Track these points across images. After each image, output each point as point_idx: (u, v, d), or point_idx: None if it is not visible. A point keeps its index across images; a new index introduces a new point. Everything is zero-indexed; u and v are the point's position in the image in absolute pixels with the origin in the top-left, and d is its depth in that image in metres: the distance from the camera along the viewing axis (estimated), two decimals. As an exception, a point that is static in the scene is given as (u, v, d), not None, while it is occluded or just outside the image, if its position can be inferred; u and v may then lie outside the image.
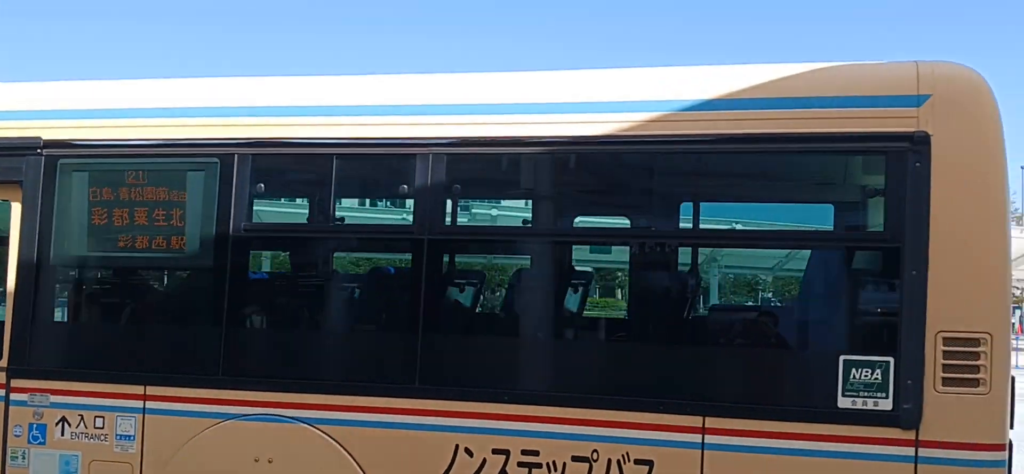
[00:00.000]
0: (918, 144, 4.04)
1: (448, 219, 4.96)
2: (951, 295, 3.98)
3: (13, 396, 4.95)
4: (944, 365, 3.95)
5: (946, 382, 3.95)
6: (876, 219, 4.32)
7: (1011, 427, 4.09)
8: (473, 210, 5.42)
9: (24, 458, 4.96)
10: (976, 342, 3.93)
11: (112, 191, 5.00)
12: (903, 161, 4.06)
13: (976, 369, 3.93)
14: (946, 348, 3.95)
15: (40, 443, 4.95)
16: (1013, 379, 4.09)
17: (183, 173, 4.95)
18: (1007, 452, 4.04)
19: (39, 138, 5.05)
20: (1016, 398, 4.03)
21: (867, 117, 4.17)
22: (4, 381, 4.97)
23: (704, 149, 4.44)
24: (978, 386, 3.92)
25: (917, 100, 4.11)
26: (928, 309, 3.97)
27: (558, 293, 5.03)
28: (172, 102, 5.11)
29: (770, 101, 4.32)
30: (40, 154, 5.04)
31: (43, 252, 5.02)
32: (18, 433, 4.96)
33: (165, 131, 4.98)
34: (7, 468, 4.97)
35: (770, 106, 4.31)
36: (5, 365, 4.96)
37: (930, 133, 4.04)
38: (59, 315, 5.31)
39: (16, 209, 5.06)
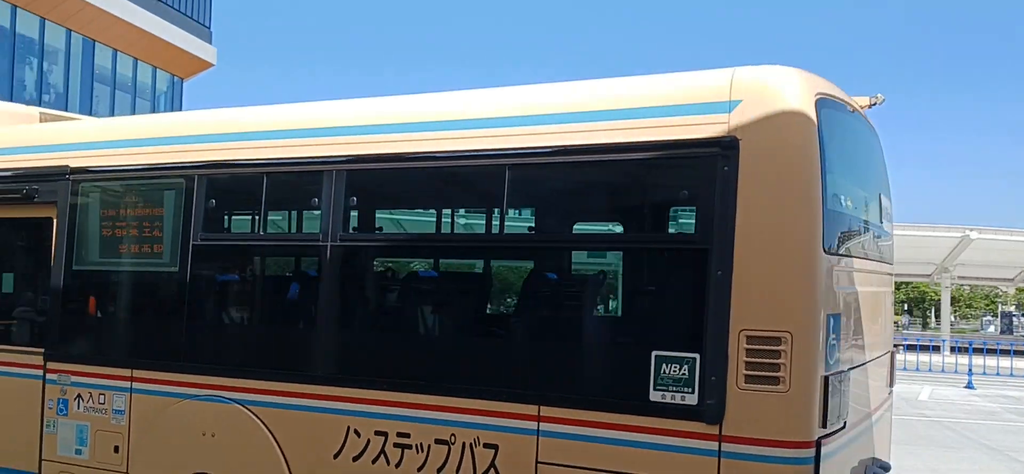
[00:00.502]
0: (727, 149, 4.16)
1: (348, 228, 5.41)
2: (755, 295, 4.08)
3: (49, 376, 6.18)
4: (746, 363, 4.04)
5: (748, 379, 4.04)
6: (689, 222, 4.48)
7: (824, 424, 4.07)
8: (378, 219, 6.09)
9: (54, 427, 6.14)
10: (777, 341, 3.99)
11: (115, 208, 6.22)
12: (713, 166, 4.19)
13: (776, 368, 4.00)
14: (749, 346, 4.04)
15: (64, 415, 6.12)
16: (827, 379, 4.09)
17: (160, 191, 6.03)
18: (814, 450, 4.01)
19: (67, 166, 6.28)
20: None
21: (683, 125, 4.31)
22: (43, 363, 6.21)
23: (538, 161, 4.71)
24: (778, 384, 3.99)
25: (729, 106, 4.22)
26: (731, 308, 4.07)
27: (424, 297, 5.53)
28: (154, 133, 6.27)
29: (601, 114, 4.56)
30: (68, 179, 6.26)
31: (69, 258, 6.25)
32: (50, 406, 6.17)
33: (148, 158, 6.00)
34: (44, 434, 6.18)
35: (602, 118, 4.55)
36: (43, 350, 6.22)
37: (739, 138, 4.15)
38: (77, 310, 6.38)
39: (55, 224, 6.28)
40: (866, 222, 5.08)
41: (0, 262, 7.19)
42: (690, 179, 4.46)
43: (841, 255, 4.45)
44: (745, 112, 4.18)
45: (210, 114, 6.30)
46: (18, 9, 31.45)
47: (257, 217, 5.78)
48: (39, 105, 32.16)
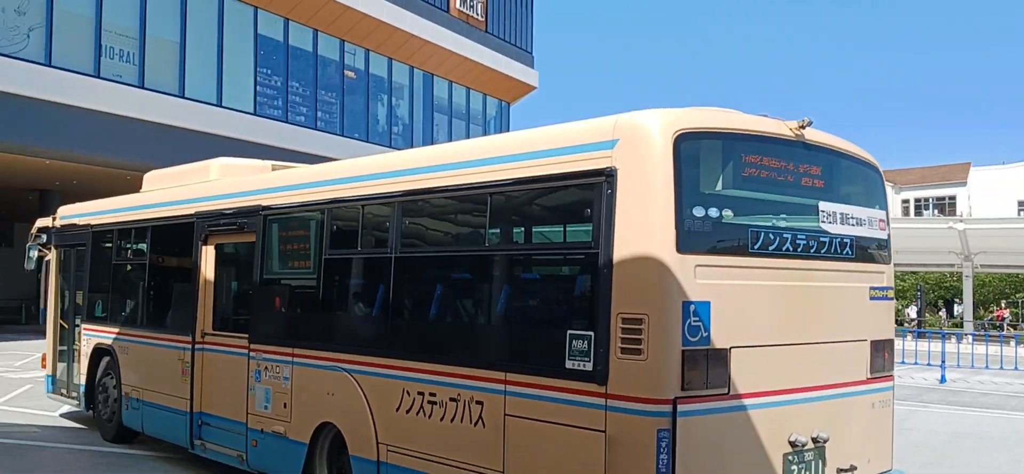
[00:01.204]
0: (609, 177, 5.39)
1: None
2: (627, 286, 5.26)
3: (252, 354, 8.49)
4: (622, 338, 5.22)
5: (623, 351, 5.21)
6: (587, 232, 5.61)
7: (683, 388, 5.12)
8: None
9: (253, 390, 8.42)
10: (639, 321, 5.16)
11: (284, 234, 8.74)
12: (600, 189, 5.44)
13: (640, 342, 5.15)
14: (623, 325, 5.22)
15: (258, 381, 8.38)
16: (684, 352, 5.14)
17: (307, 221, 8.39)
18: (671, 407, 5.10)
19: (260, 205, 8.67)
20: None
21: (583, 159, 5.61)
22: (247, 345, 8.55)
23: (485, 191, 6.35)
24: (641, 354, 5.14)
25: (611, 144, 5.45)
26: (612, 297, 5.28)
27: (440, 298, 7.00)
28: (301, 180, 8.71)
29: (537, 153, 6.01)
30: (260, 214, 8.63)
31: (261, 272, 8.66)
32: (251, 375, 8.48)
33: (299, 198, 8.37)
34: (248, 395, 8.47)
35: (537, 156, 5.98)
36: (248, 336, 8.61)
37: (617, 168, 5.38)
38: (265, 307, 8.68)
39: (256, 246, 8.65)
40: (772, 228, 5.89)
41: (230, 274, 9.69)
42: (587, 199, 5.66)
43: (704, 254, 5.39)
44: (622, 148, 5.41)
45: (327, 166, 9.05)
46: (370, 52, 35.36)
47: (356, 237, 7.80)
48: (389, 136, 35.82)
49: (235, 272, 9.60)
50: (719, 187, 5.83)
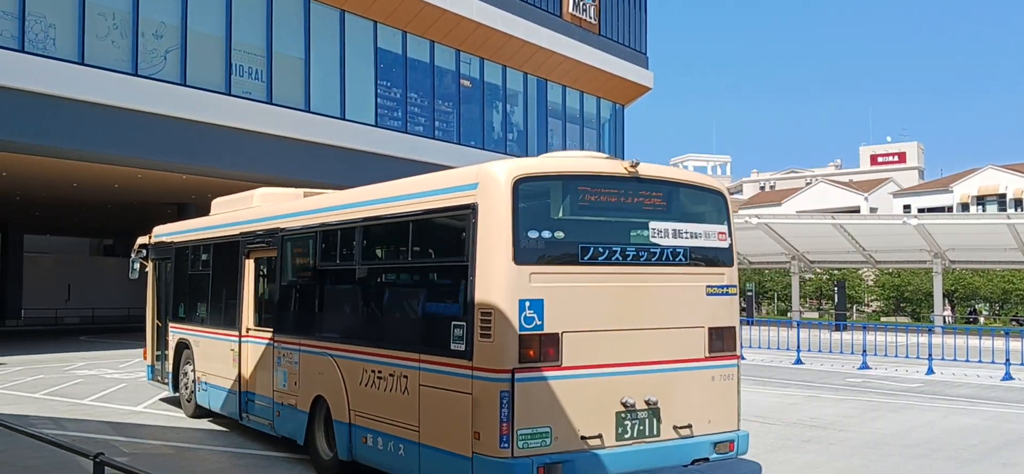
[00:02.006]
0: (473, 210, 7.43)
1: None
2: (483, 288, 7.25)
3: (275, 345, 10.79)
4: (481, 326, 7.22)
5: (481, 335, 7.20)
6: (462, 251, 7.58)
7: (521, 361, 7.08)
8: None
9: (275, 372, 10.70)
10: (489, 314, 7.17)
11: (296, 249, 10.98)
12: (468, 219, 7.48)
13: (490, 329, 7.17)
14: (481, 317, 7.22)
15: (279, 365, 10.65)
16: (520, 336, 7.11)
17: (307, 239, 10.70)
18: (510, 375, 7.06)
19: (280, 228, 11.05)
20: None
21: (458, 196, 7.72)
22: (272, 338, 10.84)
23: (406, 219, 8.67)
24: (491, 338, 7.15)
25: (474, 186, 7.50)
26: (475, 297, 7.27)
27: (382, 301, 9.45)
28: (306, 207, 11.11)
29: (425, 192, 8.40)
30: (279, 235, 11.01)
31: (281, 280, 11.10)
32: (275, 361, 10.75)
33: (302, 222, 10.79)
34: (273, 376, 10.75)
35: (427, 195, 8.35)
36: (272, 331, 10.90)
37: (477, 203, 7.41)
38: (283, 308, 10.97)
39: (276, 260, 11.14)
40: (606, 243, 7.73)
41: (264, 281, 11.78)
42: (461, 226, 7.69)
43: (538, 265, 7.32)
44: (480, 190, 7.44)
45: (323, 196, 11.50)
46: (485, 61, 35.88)
47: (335, 253, 10.16)
48: (504, 143, 36.18)
49: (267, 280, 11.75)
50: (560, 214, 7.74)
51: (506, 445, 7.05)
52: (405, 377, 8.14)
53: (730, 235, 8.64)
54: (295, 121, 27.85)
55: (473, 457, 7.20)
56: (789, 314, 42.73)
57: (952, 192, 73.38)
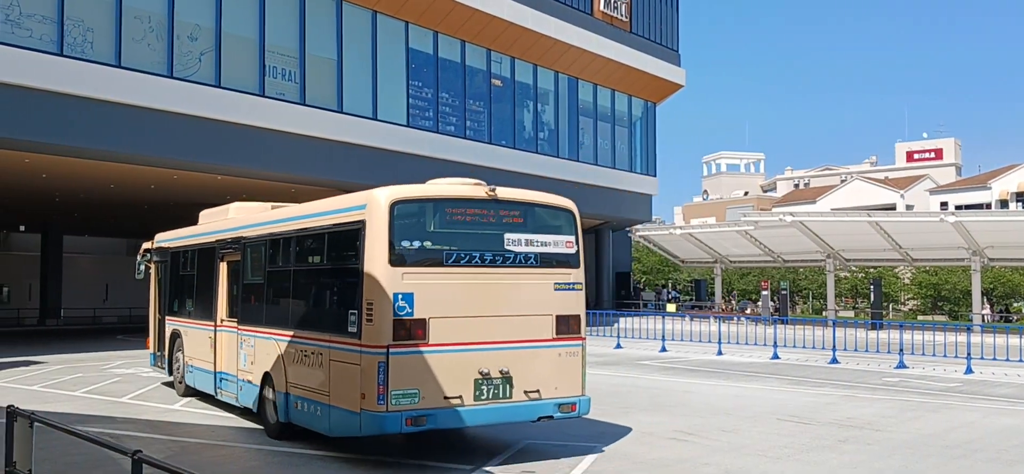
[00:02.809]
0: (363, 225, 9.72)
1: (277, 263, 12.41)
2: (368, 285, 9.46)
3: (239, 332, 13.01)
4: (366, 313, 9.46)
5: (366, 321, 9.43)
6: (357, 256, 9.80)
7: (394, 339, 9.32)
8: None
9: (239, 353, 12.94)
10: (371, 304, 9.43)
11: (253, 253, 13.07)
12: (359, 232, 9.77)
13: (372, 315, 9.41)
14: (366, 307, 9.45)
15: (242, 349, 12.87)
16: (394, 321, 9.36)
17: (260, 246, 12.84)
18: (385, 350, 9.29)
19: (242, 237, 13.40)
20: None
21: (353, 215, 10.10)
22: (238, 326, 13.06)
23: (321, 232, 11.24)
24: (372, 322, 9.36)
25: (364, 207, 9.84)
26: (364, 291, 9.54)
27: (299, 295, 11.90)
28: (263, 218, 13.41)
29: (336, 209, 10.83)
30: (242, 242, 13.36)
31: (242, 279, 13.33)
32: (239, 345, 12.99)
33: (261, 232, 12.83)
34: (238, 356, 12.99)
35: (318, 216, 11.26)
36: (237, 320, 13.17)
37: (365, 220, 9.71)
38: (245, 302, 13.19)
39: (240, 263, 13.42)
40: (467, 251, 10.01)
41: (233, 280, 13.82)
42: (356, 237, 9.93)
43: (408, 268, 9.57)
44: (367, 210, 9.79)
45: (270, 212, 13.73)
46: (516, 60, 35.88)
47: (262, 254, 12.77)
48: (536, 142, 36.15)
49: (233, 280, 13.79)
50: (430, 228, 10.08)
51: (382, 402, 9.32)
52: (321, 354, 10.50)
53: (577, 243, 10.93)
54: (328, 122, 28.05)
55: (361, 413, 9.50)
56: (824, 313, 42.28)
57: (990, 189, 72.24)
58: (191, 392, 15.31)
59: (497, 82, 35.34)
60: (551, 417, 10.37)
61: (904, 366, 21.55)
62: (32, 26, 21.43)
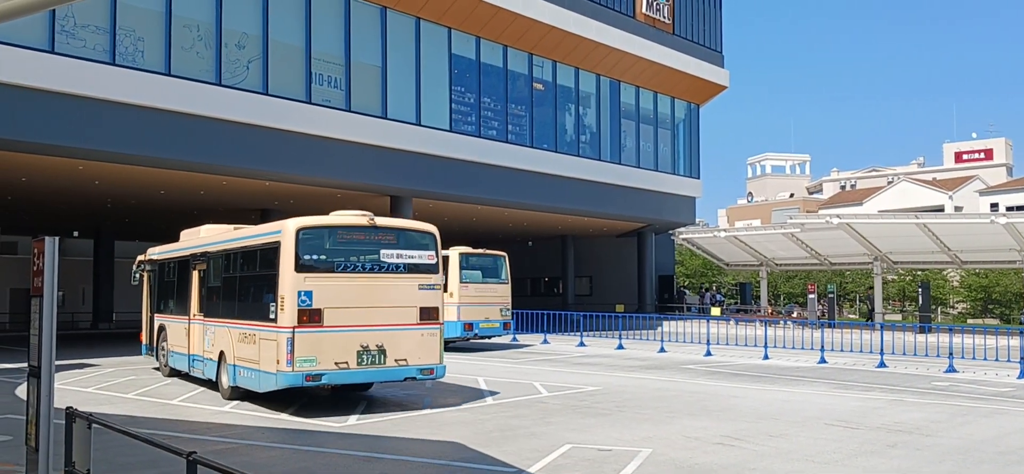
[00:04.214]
0: (280, 244, 14.11)
1: (223, 273, 17.07)
2: (283, 285, 13.85)
3: (204, 323, 17.34)
4: (282, 305, 13.78)
5: (282, 310, 13.77)
6: (276, 266, 14.09)
7: (299, 323, 13.66)
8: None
9: (204, 340, 17.20)
10: (284, 299, 13.75)
11: (214, 265, 17.39)
12: (278, 249, 14.12)
13: (283, 306, 13.75)
14: (282, 300, 13.79)
15: (206, 335, 17.16)
16: (299, 311, 13.69)
17: (220, 258, 17.12)
18: (292, 331, 13.61)
19: (206, 251, 17.77)
20: None
21: (274, 237, 14.41)
22: (203, 318, 17.42)
23: (253, 248, 15.71)
24: (284, 312, 13.76)
25: (280, 232, 14.24)
26: (280, 290, 13.83)
27: (232, 295, 16.42)
28: (217, 237, 17.87)
29: (263, 232, 15.66)
30: (206, 254, 17.77)
31: (204, 284, 17.74)
32: (203, 332, 17.29)
33: (220, 247, 17.23)
34: (203, 342, 17.29)
35: (252, 238, 15.97)
36: (203, 314, 17.45)
37: (280, 241, 14.09)
38: (204, 300, 17.66)
39: (205, 270, 17.67)
40: (353, 263, 14.34)
41: (202, 284, 17.79)
42: (275, 253, 14.13)
43: (309, 273, 13.85)
44: (282, 234, 14.14)
45: (232, 231, 17.52)
46: (558, 63, 35.90)
47: (218, 264, 17.05)
48: (577, 145, 36.13)
49: (201, 284, 17.91)
50: (326, 246, 14.24)
51: (290, 365, 13.63)
52: (255, 335, 14.68)
53: (437, 256, 15.27)
54: (372, 127, 28.32)
55: (277, 373, 13.76)
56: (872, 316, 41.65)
57: (1043, 189, 70.49)
58: (174, 373, 19.46)
59: (539, 86, 35.40)
60: (414, 378, 14.76)
61: (954, 370, 21.20)
62: (86, 36, 21.96)
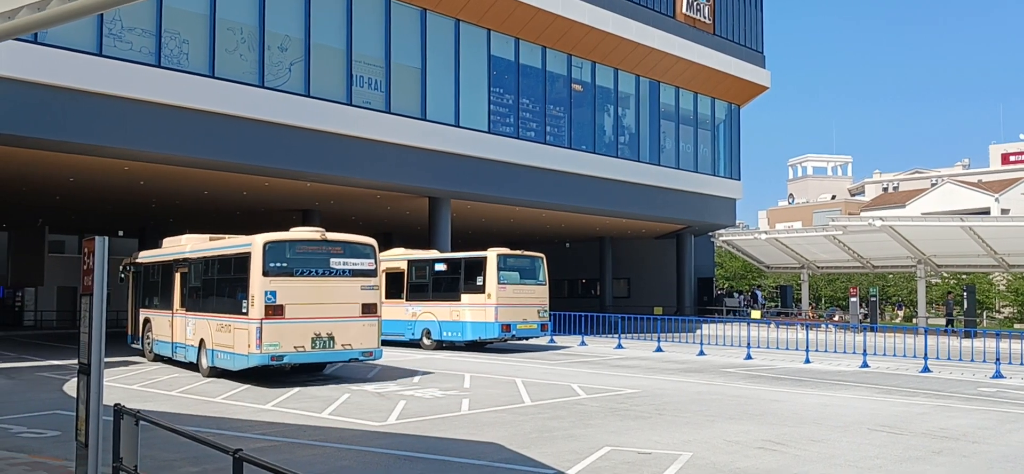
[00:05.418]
0: (250, 254, 17.75)
1: (203, 274, 20.49)
2: (252, 285, 17.54)
3: (186, 316, 20.65)
4: (253, 302, 17.46)
5: (252, 306, 17.43)
6: (247, 271, 17.74)
7: (267, 316, 17.32)
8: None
9: (186, 330, 20.57)
10: (253, 297, 17.46)
11: (198, 268, 20.56)
12: (250, 258, 17.70)
13: (253, 302, 17.46)
14: (253, 298, 17.47)
15: (188, 326, 20.67)
16: (266, 306, 17.31)
17: (216, 261, 19.90)
18: (260, 322, 17.29)
19: (187, 257, 21.09)
20: None
21: (247, 249, 17.98)
22: (185, 311, 20.78)
23: (228, 256, 19.13)
24: (254, 306, 17.42)
25: (250, 245, 17.84)
26: (251, 290, 17.54)
27: (213, 293, 19.79)
28: (196, 246, 21.33)
29: (237, 244, 18.94)
30: (187, 259, 21.06)
31: (188, 283, 20.84)
32: (186, 324, 20.69)
33: (203, 254, 20.33)
34: (186, 332, 20.57)
35: (229, 248, 19.40)
36: (185, 309, 20.77)
37: (251, 251, 17.69)
38: (189, 297, 20.87)
39: (186, 273, 20.99)
40: (308, 269, 17.98)
41: (184, 284, 20.92)
42: (247, 260, 17.79)
43: (274, 277, 17.47)
44: (252, 246, 17.79)
45: (211, 241, 21.01)
46: (597, 64, 35.83)
47: (207, 270, 20.11)
48: (616, 146, 35.97)
49: (183, 284, 20.97)
50: (287, 255, 17.79)
51: (259, 348, 17.13)
52: (230, 325, 18.17)
53: (376, 262, 18.92)
54: (412, 129, 28.49)
55: (248, 355, 17.31)
56: (915, 320, 41.03)
57: (1094, 192, 68.90)
58: (158, 358, 22.73)
59: (577, 87, 35.35)
60: (358, 359, 18.55)
61: (1001, 376, 20.80)
62: (132, 39, 22.35)
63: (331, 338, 17.79)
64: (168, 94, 22.76)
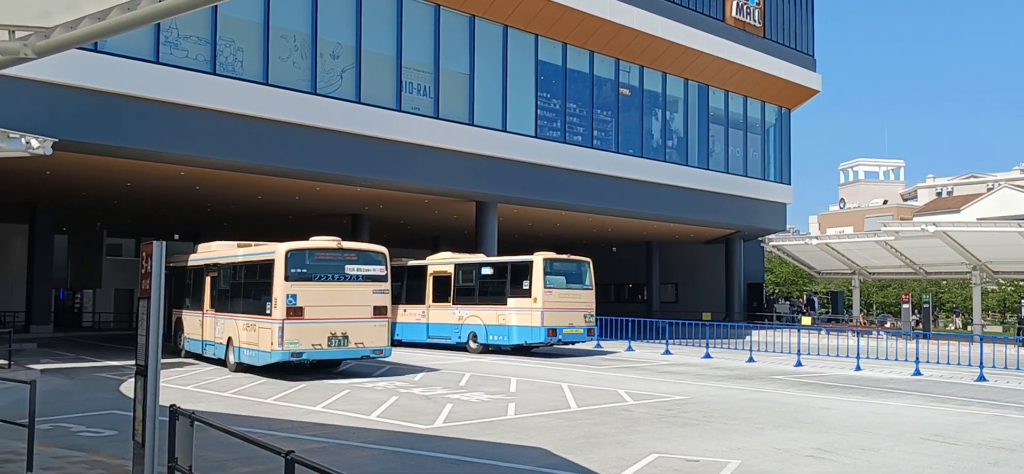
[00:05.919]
0: (274, 260, 19.49)
1: (233, 277, 22.47)
2: (276, 289, 19.19)
3: (216, 316, 22.62)
4: (276, 304, 19.10)
5: (276, 307, 19.17)
6: (271, 276, 19.40)
7: (288, 316, 18.97)
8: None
9: (215, 329, 22.52)
10: (277, 299, 19.18)
11: (220, 272, 22.90)
12: (272, 264, 19.49)
13: (277, 304, 19.15)
14: (276, 300, 19.16)
15: (217, 325, 22.41)
16: (288, 308, 18.94)
17: (235, 266, 22.12)
18: (282, 322, 18.95)
19: (217, 262, 23.07)
20: None
21: (271, 255, 19.81)
22: (215, 312, 22.71)
23: (255, 262, 21.02)
24: (277, 308, 19.11)
25: (274, 252, 19.65)
26: (273, 292, 19.20)
27: (238, 295, 21.81)
28: (221, 252, 23.42)
29: (262, 251, 20.76)
30: (215, 264, 23.26)
31: (214, 287, 22.98)
32: (216, 323, 22.58)
33: (216, 260, 23.22)
34: (215, 331, 22.45)
35: (255, 255, 21.17)
36: (215, 309, 22.84)
37: (275, 258, 19.44)
38: (214, 300, 23.13)
39: (216, 276, 23.03)
40: (326, 274, 19.74)
41: (214, 287, 22.93)
42: (271, 266, 19.55)
43: (294, 281, 19.14)
44: (276, 254, 19.53)
45: (239, 248, 22.45)
46: (645, 68, 35.71)
47: (233, 274, 22.11)
48: (664, 150, 35.76)
49: (212, 286, 22.90)
50: (306, 263, 19.52)
51: (281, 346, 18.73)
52: (255, 325, 19.76)
53: (387, 269, 20.47)
54: (460, 134, 28.68)
55: (271, 351, 18.89)
56: (970, 328, 40.19)
57: None
58: (189, 355, 24.43)
59: (625, 91, 35.27)
60: (370, 356, 20.19)
61: (1061, 386, 20.30)
62: (188, 47, 22.85)
63: (346, 337, 19.49)
64: (223, 100, 23.22)
